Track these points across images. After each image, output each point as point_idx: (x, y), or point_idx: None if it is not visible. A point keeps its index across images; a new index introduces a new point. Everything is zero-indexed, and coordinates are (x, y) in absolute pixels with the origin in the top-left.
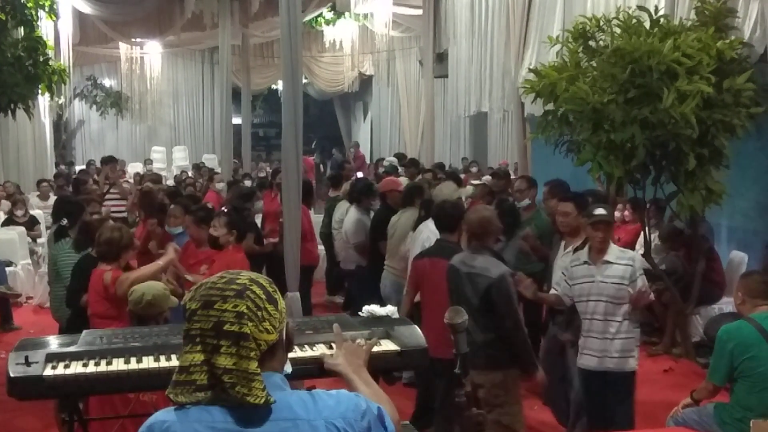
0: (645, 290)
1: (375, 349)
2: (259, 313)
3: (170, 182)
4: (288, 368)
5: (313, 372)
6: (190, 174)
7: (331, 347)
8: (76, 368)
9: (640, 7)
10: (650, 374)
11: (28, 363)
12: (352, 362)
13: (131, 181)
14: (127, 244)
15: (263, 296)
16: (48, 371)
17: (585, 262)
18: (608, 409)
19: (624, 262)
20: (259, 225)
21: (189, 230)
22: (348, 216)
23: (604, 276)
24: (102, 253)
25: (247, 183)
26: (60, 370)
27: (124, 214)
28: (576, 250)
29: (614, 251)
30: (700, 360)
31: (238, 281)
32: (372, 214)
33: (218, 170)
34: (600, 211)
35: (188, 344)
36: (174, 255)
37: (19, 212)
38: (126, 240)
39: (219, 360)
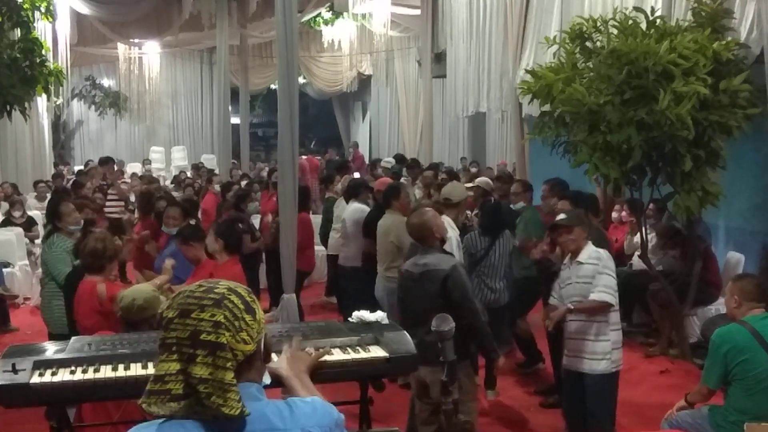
0: (595, 298)
1: (364, 355)
2: (236, 323)
3: (168, 182)
4: (267, 379)
5: None
6: (188, 174)
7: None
8: (64, 376)
9: (637, 8)
10: (647, 375)
11: (15, 370)
12: (294, 367)
13: (129, 181)
14: (112, 255)
15: (241, 306)
16: (35, 379)
17: (567, 266)
18: (586, 411)
19: (592, 262)
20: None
21: (183, 253)
22: (351, 209)
23: (577, 277)
24: (87, 265)
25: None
26: (47, 377)
27: (123, 215)
28: None
29: (587, 252)
30: (697, 361)
31: (216, 290)
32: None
33: (217, 170)
34: (560, 216)
35: (164, 353)
36: (170, 274)
37: (16, 213)
38: (110, 251)
39: (195, 369)
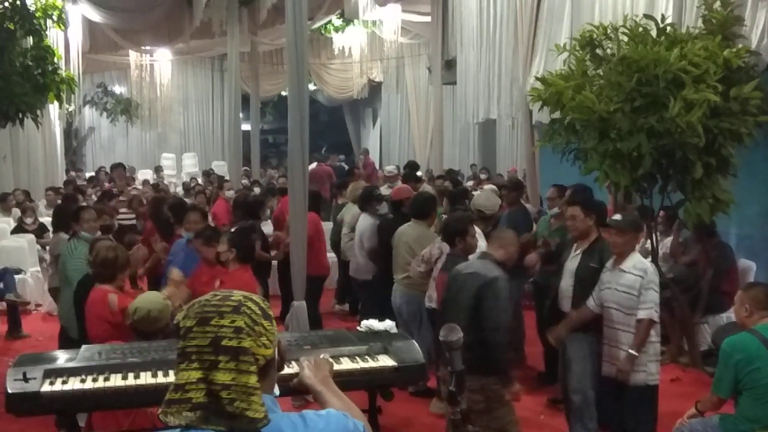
0: (643, 316)
1: (372, 364)
2: (256, 328)
3: (179, 189)
4: (276, 390)
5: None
6: (199, 181)
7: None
8: (74, 384)
9: (647, 16)
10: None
11: (26, 379)
12: (317, 374)
13: (140, 187)
14: (123, 264)
15: (259, 312)
16: (45, 387)
17: (608, 269)
18: (625, 419)
19: (636, 273)
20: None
21: (200, 252)
22: (360, 223)
23: (617, 284)
24: (98, 275)
25: (257, 190)
26: (58, 386)
27: (133, 221)
28: (585, 251)
29: (632, 260)
30: (708, 369)
31: (232, 298)
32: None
33: (227, 177)
34: (616, 216)
35: (184, 362)
36: (175, 285)
37: (28, 220)
38: (122, 260)
39: (217, 376)
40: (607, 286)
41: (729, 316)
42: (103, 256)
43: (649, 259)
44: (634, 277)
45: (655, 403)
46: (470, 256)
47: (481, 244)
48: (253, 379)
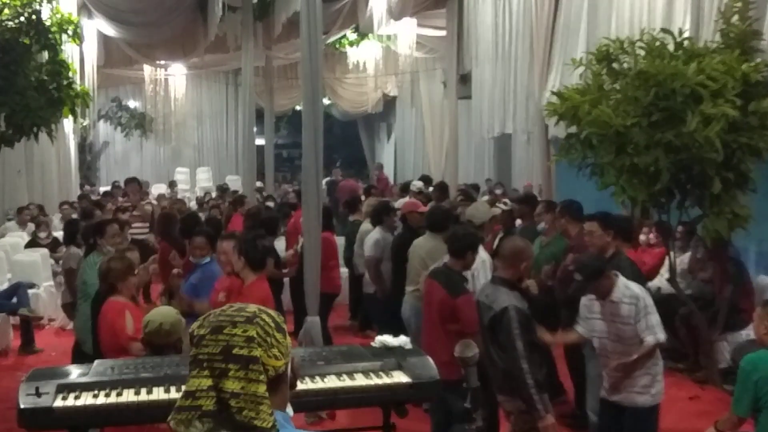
0: (651, 341)
1: (386, 380)
2: (268, 339)
3: (193, 203)
4: (290, 411)
5: (324, 403)
6: (213, 195)
7: (341, 378)
8: (87, 399)
9: (664, 30)
10: (676, 401)
11: (38, 394)
12: None
13: (155, 202)
14: (127, 272)
15: (272, 324)
16: (58, 402)
17: (594, 298)
18: None
19: (629, 302)
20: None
21: (225, 256)
22: (370, 235)
23: (612, 315)
24: (106, 290)
25: (270, 204)
26: (70, 401)
27: (146, 235)
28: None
29: (620, 290)
30: (727, 387)
31: (247, 309)
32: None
33: (241, 190)
34: (577, 277)
35: (195, 369)
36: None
37: (42, 234)
38: (125, 268)
39: (227, 384)
40: (598, 316)
41: (748, 333)
42: (105, 268)
43: (667, 275)
44: (629, 307)
45: (656, 422)
46: (470, 273)
47: (483, 256)
48: (261, 389)
